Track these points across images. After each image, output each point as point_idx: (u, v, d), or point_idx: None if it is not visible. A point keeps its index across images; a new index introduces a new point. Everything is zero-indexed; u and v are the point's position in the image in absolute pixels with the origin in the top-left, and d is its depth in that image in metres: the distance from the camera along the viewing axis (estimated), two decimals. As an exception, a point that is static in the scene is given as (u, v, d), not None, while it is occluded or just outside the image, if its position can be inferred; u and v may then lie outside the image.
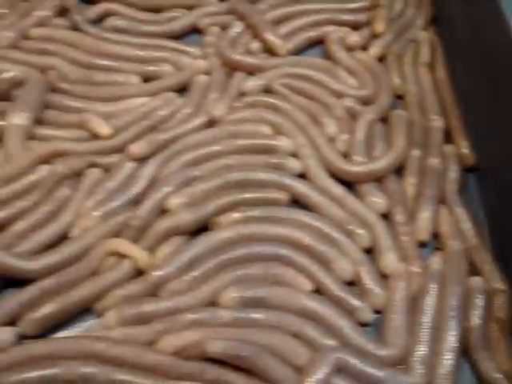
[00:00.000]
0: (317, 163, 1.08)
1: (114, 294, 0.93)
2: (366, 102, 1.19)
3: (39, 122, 1.16)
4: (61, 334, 0.94)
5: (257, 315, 0.89)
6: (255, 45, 1.28)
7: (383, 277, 0.97)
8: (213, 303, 0.92)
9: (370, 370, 0.86)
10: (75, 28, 1.33)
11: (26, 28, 1.32)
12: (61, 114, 1.18)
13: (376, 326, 0.94)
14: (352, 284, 0.97)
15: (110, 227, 0.99)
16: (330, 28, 1.32)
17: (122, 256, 0.97)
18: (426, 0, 1.38)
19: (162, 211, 1.01)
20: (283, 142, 1.10)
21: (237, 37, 1.30)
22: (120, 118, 1.15)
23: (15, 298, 0.93)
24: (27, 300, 0.93)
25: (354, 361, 0.86)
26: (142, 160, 1.08)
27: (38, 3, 1.36)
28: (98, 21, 1.37)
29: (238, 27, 1.31)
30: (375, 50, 1.28)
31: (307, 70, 1.22)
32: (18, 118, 1.12)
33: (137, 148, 1.07)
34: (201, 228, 1.01)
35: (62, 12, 1.38)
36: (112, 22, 1.34)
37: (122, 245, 0.97)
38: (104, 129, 1.10)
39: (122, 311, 0.90)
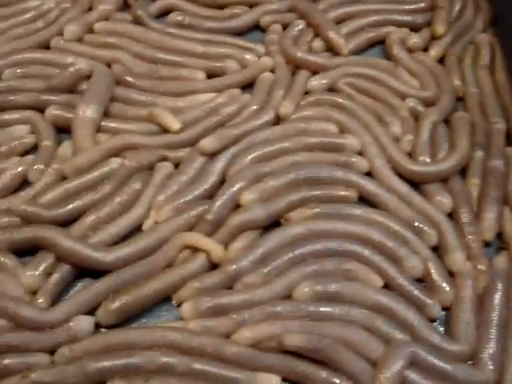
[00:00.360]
0: (383, 162, 1.11)
1: (190, 286, 0.97)
2: (428, 103, 1.22)
3: (106, 114, 1.19)
4: (136, 325, 0.97)
5: (330, 309, 0.93)
6: (317, 43, 1.31)
7: (450, 274, 1.00)
8: (287, 297, 0.95)
9: (442, 364, 0.89)
10: (138, 22, 1.36)
11: (90, 22, 1.36)
12: (127, 107, 1.22)
13: (442, 322, 0.97)
14: (419, 280, 1.00)
15: (183, 220, 1.03)
16: (390, 28, 1.35)
17: (196, 249, 1.00)
18: (485, 2, 1.40)
19: (235, 206, 1.04)
20: (350, 141, 1.13)
21: (299, 35, 1.33)
22: (187, 112, 1.18)
23: (93, 289, 0.97)
24: (105, 290, 0.97)
25: (426, 355, 0.89)
26: (211, 155, 1.12)
27: (100, -3, 1.41)
28: (159, 16, 1.41)
29: (299, 25, 1.34)
30: (436, 51, 1.31)
31: (370, 69, 1.25)
32: (88, 111, 1.16)
33: (207, 143, 1.11)
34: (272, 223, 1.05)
35: (124, 7, 1.42)
36: (174, 17, 1.37)
37: (197, 238, 1.00)
38: (174, 123, 1.13)
39: (198, 303, 0.94)
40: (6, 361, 0.90)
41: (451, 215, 1.07)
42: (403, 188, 1.08)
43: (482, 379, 0.90)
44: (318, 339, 0.89)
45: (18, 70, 1.28)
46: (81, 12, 1.39)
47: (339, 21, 1.36)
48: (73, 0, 1.41)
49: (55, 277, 0.99)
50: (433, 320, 0.97)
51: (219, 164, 1.09)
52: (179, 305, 0.96)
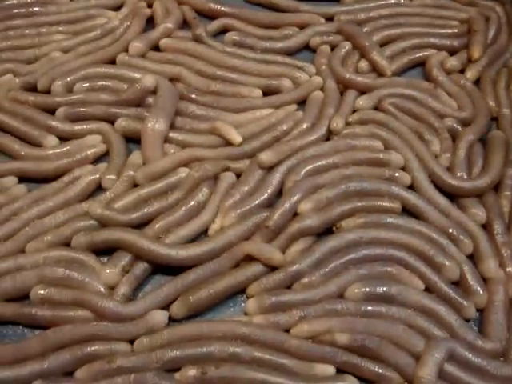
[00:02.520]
0: (424, 176, 1.22)
1: (255, 285, 1.09)
2: (465, 122, 1.32)
3: (171, 127, 1.30)
4: (204, 319, 1.09)
5: (379, 308, 1.04)
6: (363, 64, 1.42)
7: (483, 280, 1.12)
8: (340, 296, 1.07)
9: (476, 359, 1.01)
10: (197, 40, 1.47)
11: (153, 39, 1.47)
12: (191, 121, 1.33)
13: (477, 322, 1.09)
14: (455, 284, 1.11)
15: (246, 226, 1.14)
16: (430, 51, 1.45)
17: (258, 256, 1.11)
18: (518, 28, 1.51)
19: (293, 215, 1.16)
20: (394, 157, 1.23)
21: (346, 56, 1.44)
22: (246, 127, 1.30)
23: (168, 287, 1.08)
24: (178, 288, 1.08)
25: (462, 350, 1.00)
26: (269, 167, 1.23)
27: (162, 16, 1.52)
28: (216, 35, 1.52)
29: (346, 47, 1.45)
30: (472, 73, 1.41)
31: (413, 90, 1.36)
32: (157, 123, 1.27)
33: (266, 156, 1.22)
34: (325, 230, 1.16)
35: (183, 25, 1.53)
36: (231, 36, 1.48)
37: (259, 247, 1.11)
38: (236, 137, 1.25)
39: (261, 300, 1.06)
40: (93, 347, 1.02)
41: (485, 226, 1.18)
42: (442, 200, 1.19)
43: (511, 374, 1.01)
44: (364, 338, 1.00)
45: (88, 84, 1.38)
46: (144, 30, 1.50)
47: (383, 43, 1.46)
48: (136, 18, 1.51)
49: (131, 274, 1.11)
50: (468, 320, 1.08)
51: (277, 176, 1.20)
52: (245, 301, 1.09)
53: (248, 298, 1.09)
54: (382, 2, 1.56)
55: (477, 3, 1.57)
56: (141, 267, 1.12)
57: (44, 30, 1.51)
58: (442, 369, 0.98)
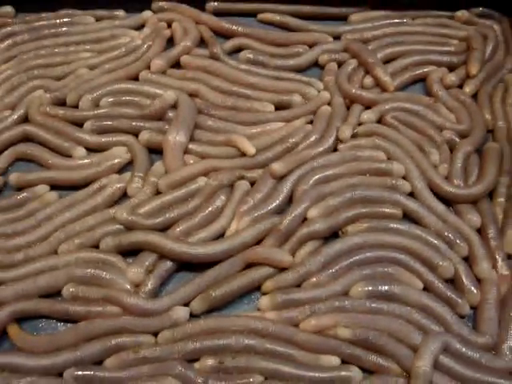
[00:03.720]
0: (424, 185, 1.31)
1: (269, 283, 1.18)
2: (463, 134, 1.40)
3: (190, 139, 1.40)
4: (221, 314, 1.18)
5: (380, 305, 1.14)
6: (368, 80, 1.51)
7: (477, 281, 1.20)
8: (345, 294, 1.16)
9: (470, 352, 1.09)
10: (214, 58, 1.57)
11: (173, 57, 1.57)
12: (209, 134, 1.42)
13: (470, 319, 1.18)
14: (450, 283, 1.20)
15: (260, 229, 1.23)
16: (430, 68, 1.55)
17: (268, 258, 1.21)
18: (514, 45, 1.59)
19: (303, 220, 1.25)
20: (396, 166, 1.32)
21: (352, 73, 1.53)
22: (260, 139, 1.39)
23: (190, 285, 1.17)
24: (198, 287, 1.18)
25: (457, 344, 1.09)
26: (280, 176, 1.33)
27: (181, 35, 1.63)
28: (231, 53, 1.62)
29: (352, 64, 1.55)
30: (470, 88, 1.50)
31: (414, 104, 1.45)
32: (178, 136, 1.37)
33: (278, 166, 1.32)
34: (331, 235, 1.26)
35: (200, 43, 1.63)
36: (245, 54, 1.58)
37: (269, 252, 1.20)
38: (250, 148, 1.34)
39: (274, 297, 1.15)
40: (121, 339, 1.12)
41: (479, 231, 1.27)
42: (440, 207, 1.28)
43: (502, 366, 1.09)
44: (364, 332, 1.09)
45: (113, 99, 1.48)
46: (164, 47, 1.60)
47: (386, 60, 1.56)
48: (157, 38, 1.61)
49: (155, 273, 1.20)
50: (463, 317, 1.17)
51: (287, 184, 1.30)
52: (264, 293, 1.18)
53: (262, 294, 1.19)
54: (387, 21, 1.66)
55: (475, 22, 1.66)
56: (163, 267, 1.22)
57: (72, 48, 1.61)
58: (438, 360, 1.06)
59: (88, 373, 1.09)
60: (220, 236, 1.26)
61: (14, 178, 1.38)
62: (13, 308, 1.16)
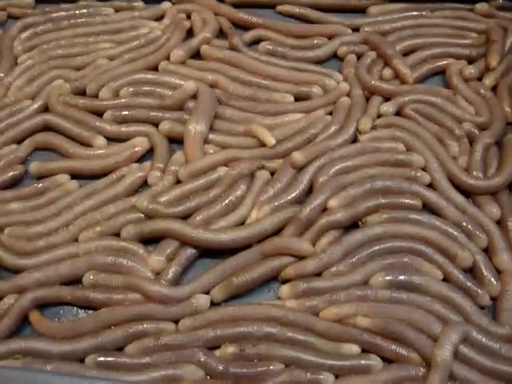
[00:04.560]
0: (443, 176, 1.31)
1: (287, 272, 1.19)
2: (482, 127, 1.41)
3: (210, 129, 1.40)
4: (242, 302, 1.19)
5: (400, 295, 1.14)
6: (387, 72, 1.51)
7: (497, 272, 1.21)
8: (365, 284, 1.17)
9: (489, 342, 1.09)
10: (233, 49, 1.57)
11: (193, 48, 1.58)
12: (228, 124, 1.43)
13: (490, 310, 1.18)
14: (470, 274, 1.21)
15: (279, 218, 1.24)
16: (449, 60, 1.55)
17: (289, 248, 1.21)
18: (535, 37, 1.58)
19: (323, 210, 1.26)
20: (415, 158, 1.33)
21: (371, 64, 1.54)
22: (280, 130, 1.39)
23: (211, 273, 1.18)
24: (220, 275, 1.19)
25: (476, 334, 1.09)
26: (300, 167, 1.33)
27: (200, 26, 1.63)
28: (250, 44, 1.63)
29: (371, 56, 1.55)
30: (489, 81, 1.50)
31: (433, 97, 1.45)
32: (198, 126, 1.37)
33: (299, 155, 1.32)
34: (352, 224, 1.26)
35: (218, 35, 1.64)
36: (265, 46, 1.59)
37: (290, 241, 1.21)
38: (270, 139, 1.35)
39: (294, 286, 1.16)
40: (142, 326, 1.13)
41: (499, 222, 1.27)
42: (459, 198, 1.28)
43: (524, 357, 1.10)
44: (384, 321, 1.10)
45: (133, 89, 1.49)
46: (183, 38, 1.61)
47: (405, 52, 1.56)
48: (176, 30, 1.62)
49: (176, 260, 1.21)
50: (482, 307, 1.16)
51: (307, 175, 1.31)
52: (283, 282, 1.19)
53: (282, 282, 1.19)
54: (406, 14, 1.66)
55: (495, 14, 1.65)
56: (184, 254, 1.22)
57: (91, 39, 1.63)
58: (458, 350, 1.07)
59: (110, 359, 1.10)
60: (240, 225, 1.26)
61: (34, 166, 1.39)
62: (34, 294, 1.18)
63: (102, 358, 1.10)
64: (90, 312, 1.18)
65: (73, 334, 1.14)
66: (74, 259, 1.22)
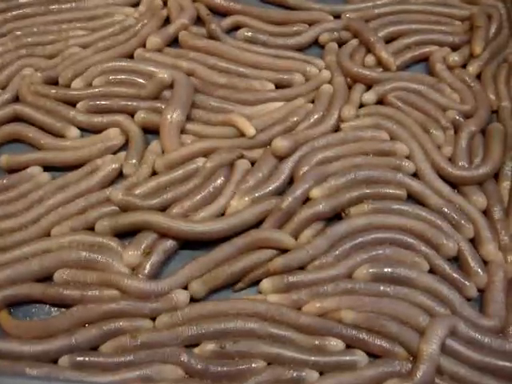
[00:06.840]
0: (428, 166, 1.28)
1: (277, 260, 1.14)
2: (467, 115, 1.38)
3: (187, 118, 1.36)
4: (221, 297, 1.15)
5: (385, 287, 1.11)
6: (369, 59, 1.48)
7: (484, 263, 1.18)
8: (349, 277, 1.13)
9: (477, 335, 1.07)
10: (211, 36, 1.53)
11: (169, 34, 1.53)
12: (206, 113, 1.38)
13: (477, 301, 1.15)
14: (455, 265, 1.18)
15: (260, 208, 1.20)
16: (433, 47, 1.52)
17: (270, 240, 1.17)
18: (519, 24, 1.56)
19: (305, 201, 1.22)
20: (400, 147, 1.30)
21: (353, 51, 1.50)
22: (260, 118, 1.35)
23: (189, 267, 1.14)
24: (199, 269, 1.14)
25: (463, 327, 1.06)
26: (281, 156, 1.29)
27: (177, 12, 1.58)
28: (229, 31, 1.58)
29: (353, 43, 1.52)
30: (473, 68, 1.47)
31: (416, 84, 1.42)
32: (174, 115, 1.32)
33: (280, 143, 1.27)
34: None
35: (196, 22, 1.59)
36: (243, 32, 1.54)
37: (270, 233, 1.17)
38: (250, 129, 1.30)
39: (276, 280, 1.12)
40: (119, 323, 1.08)
41: (485, 212, 1.24)
42: (445, 188, 1.25)
43: (509, 349, 1.07)
44: (369, 315, 1.07)
45: (107, 78, 1.44)
46: (160, 26, 1.56)
47: (388, 39, 1.52)
48: (152, 15, 1.57)
49: (153, 254, 1.16)
50: (469, 299, 1.14)
51: (289, 164, 1.27)
52: (267, 276, 1.14)
53: (272, 274, 1.15)
54: (388, 0, 1.62)
55: (479, 1, 1.62)
56: (162, 248, 1.17)
57: (64, 26, 1.56)
58: (445, 343, 1.04)
59: (84, 358, 1.05)
60: (220, 216, 1.22)
61: (3, 160, 1.33)
62: (4, 293, 1.13)
63: (76, 358, 1.05)
64: (64, 310, 1.13)
65: (45, 334, 1.09)
66: (46, 255, 1.16)
